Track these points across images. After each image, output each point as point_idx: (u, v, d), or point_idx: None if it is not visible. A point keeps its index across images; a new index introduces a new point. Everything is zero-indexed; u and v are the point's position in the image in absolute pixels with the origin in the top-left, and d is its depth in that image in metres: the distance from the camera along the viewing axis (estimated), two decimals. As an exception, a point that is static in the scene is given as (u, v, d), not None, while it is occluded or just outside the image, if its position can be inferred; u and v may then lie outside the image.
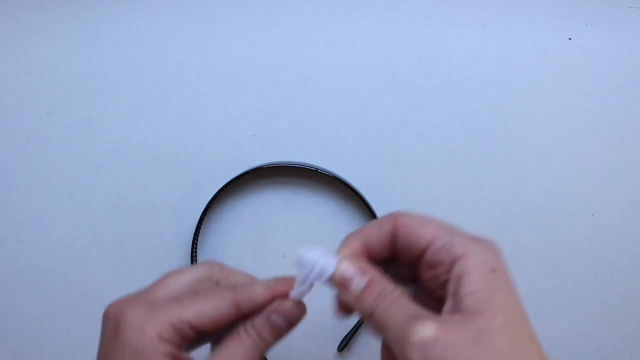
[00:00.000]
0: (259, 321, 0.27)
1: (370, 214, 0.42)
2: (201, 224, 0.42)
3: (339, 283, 0.26)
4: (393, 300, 0.24)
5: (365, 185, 0.43)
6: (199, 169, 0.44)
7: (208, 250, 0.44)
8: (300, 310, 0.27)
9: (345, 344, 0.42)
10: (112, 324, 0.26)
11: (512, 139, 0.44)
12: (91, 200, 0.44)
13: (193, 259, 0.42)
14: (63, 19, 0.46)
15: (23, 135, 0.45)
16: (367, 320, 0.25)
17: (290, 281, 0.28)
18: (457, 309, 0.23)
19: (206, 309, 0.26)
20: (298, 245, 0.43)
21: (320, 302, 0.43)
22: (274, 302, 0.27)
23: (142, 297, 0.27)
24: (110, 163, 0.44)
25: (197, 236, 0.42)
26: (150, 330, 0.25)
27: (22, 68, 0.45)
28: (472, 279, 0.24)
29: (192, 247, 0.42)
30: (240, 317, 0.27)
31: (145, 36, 0.45)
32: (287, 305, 0.27)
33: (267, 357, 0.42)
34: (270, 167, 0.42)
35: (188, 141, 0.44)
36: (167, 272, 0.29)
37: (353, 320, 0.42)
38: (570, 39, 0.45)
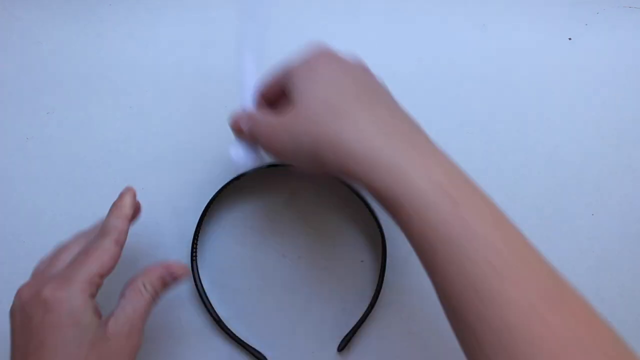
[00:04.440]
0: (155, 281, 0.34)
1: (370, 213, 0.42)
2: (201, 224, 0.42)
3: (235, 128, 0.36)
4: (261, 122, 0.34)
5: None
6: (199, 169, 0.44)
7: (208, 250, 0.44)
8: (183, 272, 0.36)
9: (345, 344, 0.42)
10: (37, 305, 0.31)
11: (512, 139, 0.44)
12: (91, 200, 0.44)
13: (193, 259, 0.42)
14: (63, 19, 0.46)
15: (23, 135, 0.45)
16: (252, 140, 0.35)
17: (121, 201, 0.36)
18: (291, 105, 0.32)
19: (103, 258, 0.33)
20: (298, 245, 0.43)
21: (320, 302, 0.43)
22: (164, 263, 0.35)
23: (45, 277, 0.33)
24: (110, 163, 0.44)
25: (197, 236, 0.42)
26: (75, 292, 0.31)
27: (22, 68, 0.45)
28: (295, 79, 0.33)
29: (192, 247, 0.42)
30: (121, 250, 0.34)
31: (146, 36, 0.45)
32: (174, 268, 0.35)
33: (268, 358, 0.42)
34: (269, 167, 0.42)
35: (188, 141, 0.44)
36: (56, 248, 0.36)
37: (353, 320, 0.42)
38: (570, 39, 0.45)
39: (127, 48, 0.45)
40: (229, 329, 0.42)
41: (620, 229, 0.43)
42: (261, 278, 0.43)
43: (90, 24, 0.45)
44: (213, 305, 0.43)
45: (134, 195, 0.37)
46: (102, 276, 0.33)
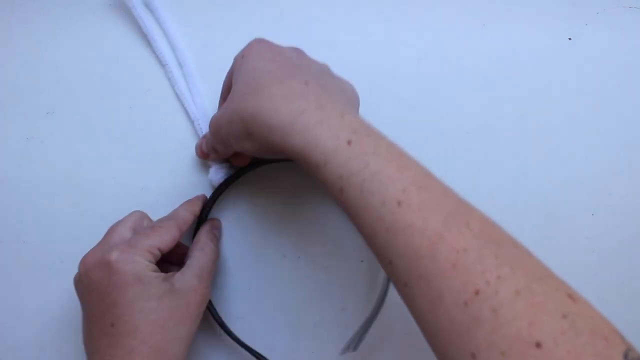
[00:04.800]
0: (212, 236, 0.40)
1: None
2: (200, 224, 0.42)
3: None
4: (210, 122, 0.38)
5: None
6: (199, 169, 0.44)
7: (208, 250, 0.44)
8: (219, 224, 0.43)
9: (355, 345, 0.41)
10: (102, 268, 0.34)
11: (512, 139, 0.44)
12: (91, 201, 0.44)
13: None
14: (63, 19, 0.46)
15: (23, 135, 0.45)
16: (215, 154, 0.40)
17: (195, 200, 0.41)
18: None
19: (164, 236, 0.36)
20: (298, 245, 0.43)
21: (320, 302, 0.43)
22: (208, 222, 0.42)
23: (106, 246, 0.36)
24: (110, 163, 0.44)
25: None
26: (139, 257, 0.34)
27: (22, 68, 0.45)
28: (234, 71, 0.36)
29: None
30: (180, 237, 0.38)
31: (145, 36, 0.45)
32: (216, 223, 0.42)
33: (268, 358, 0.42)
34: (268, 164, 0.42)
35: (188, 141, 0.44)
36: (110, 226, 0.38)
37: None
38: (570, 39, 0.45)
39: (127, 48, 0.45)
40: (229, 329, 0.42)
41: (620, 229, 0.43)
42: (261, 278, 0.43)
43: (90, 24, 0.45)
44: (213, 305, 0.43)
45: (205, 200, 0.42)
46: (161, 250, 0.36)
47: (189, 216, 0.39)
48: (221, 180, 0.42)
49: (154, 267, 0.35)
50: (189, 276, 0.36)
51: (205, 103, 0.44)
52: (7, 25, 0.46)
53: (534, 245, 0.43)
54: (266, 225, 0.44)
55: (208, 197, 0.42)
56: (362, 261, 0.43)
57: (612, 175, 0.44)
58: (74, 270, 0.37)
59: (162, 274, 0.36)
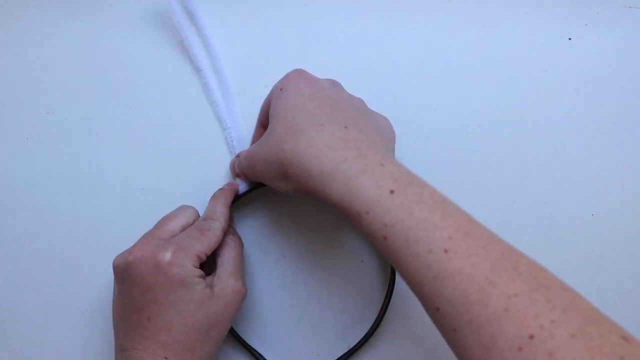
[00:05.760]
0: (236, 235, 0.40)
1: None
2: None
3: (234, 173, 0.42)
4: (243, 155, 0.40)
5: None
6: (199, 169, 0.44)
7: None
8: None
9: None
10: (150, 266, 0.35)
11: (512, 139, 0.44)
12: (91, 200, 0.44)
13: None
14: (63, 19, 0.46)
15: (23, 135, 0.45)
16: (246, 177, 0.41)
17: (228, 192, 0.41)
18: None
19: (212, 241, 0.37)
20: (298, 245, 0.43)
21: (320, 302, 0.43)
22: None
23: (157, 239, 0.36)
24: (110, 163, 0.44)
25: None
26: (187, 262, 0.35)
27: (22, 68, 0.45)
28: (270, 102, 0.37)
29: None
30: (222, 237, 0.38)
31: (145, 36, 0.45)
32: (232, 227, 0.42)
33: (267, 359, 0.42)
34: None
35: (188, 141, 0.44)
36: (164, 217, 0.39)
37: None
38: (570, 39, 0.45)
39: (127, 48, 0.45)
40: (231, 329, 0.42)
41: (620, 229, 0.43)
42: (261, 278, 0.43)
43: (90, 24, 0.45)
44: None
45: (237, 189, 0.42)
46: (207, 255, 0.37)
47: (226, 212, 0.39)
48: (244, 190, 0.42)
49: (200, 272, 0.36)
50: (224, 277, 0.37)
51: (237, 110, 0.44)
52: (7, 25, 0.46)
53: (534, 246, 0.43)
54: (266, 225, 0.44)
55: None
56: (362, 261, 0.43)
57: (612, 175, 0.44)
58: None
59: (205, 279, 0.36)
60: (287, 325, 0.43)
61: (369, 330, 0.42)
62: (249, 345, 0.42)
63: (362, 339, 0.42)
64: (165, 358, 0.34)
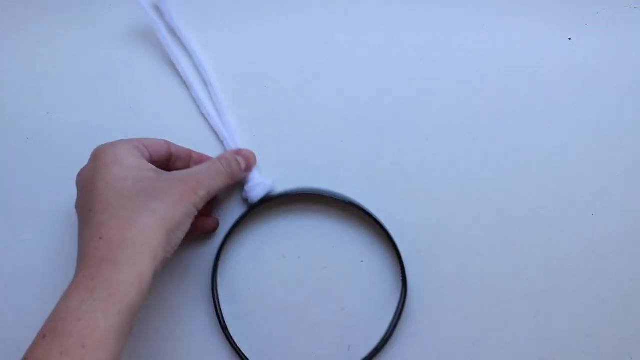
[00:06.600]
0: (229, 157, 0.39)
1: (367, 214, 0.42)
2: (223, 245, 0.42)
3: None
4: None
5: (364, 187, 0.43)
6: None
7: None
8: (253, 159, 0.42)
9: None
10: (89, 162, 0.36)
11: (512, 139, 0.44)
12: (91, 200, 0.44)
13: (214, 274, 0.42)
14: (63, 19, 0.46)
15: (23, 135, 0.45)
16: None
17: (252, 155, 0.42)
18: None
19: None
20: (298, 245, 0.43)
21: (320, 302, 0.43)
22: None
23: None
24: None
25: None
26: (122, 145, 0.36)
27: (22, 68, 0.45)
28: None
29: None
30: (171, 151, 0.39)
31: (145, 36, 0.45)
32: (245, 153, 0.41)
33: (267, 359, 0.42)
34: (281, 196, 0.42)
35: (188, 141, 0.44)
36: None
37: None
38: (570, 39, 0.45)
39: (126, 48, 0.45)
40: (229, 335, 0.42)
41: (620, 229, 0.43)
42: (261, 278, 0.43)
43: (90, 24, 0.45)
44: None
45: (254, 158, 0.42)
46: (148, 149, 0.37)
47: (241, 162, 0.40)
48: (260, 197, 0.41)
49: (143, 160, 0.35)
50: (185, 174, 0.36)
51: (231, 120, 0.44)
52: (7, 25, 0.46)
53: (534, 246, 0.43)
54: (266, 225, 0.44)
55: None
56: (362, 261, 0.43)
57: (612, 175, 0.44)
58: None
59: (152, 166, 0.35)
60: (287, 325, 0.43)
61: (379, 344, 0.42)
62: (239, 348, 0.42)
63: (372, 352, 0.42)
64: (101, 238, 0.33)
